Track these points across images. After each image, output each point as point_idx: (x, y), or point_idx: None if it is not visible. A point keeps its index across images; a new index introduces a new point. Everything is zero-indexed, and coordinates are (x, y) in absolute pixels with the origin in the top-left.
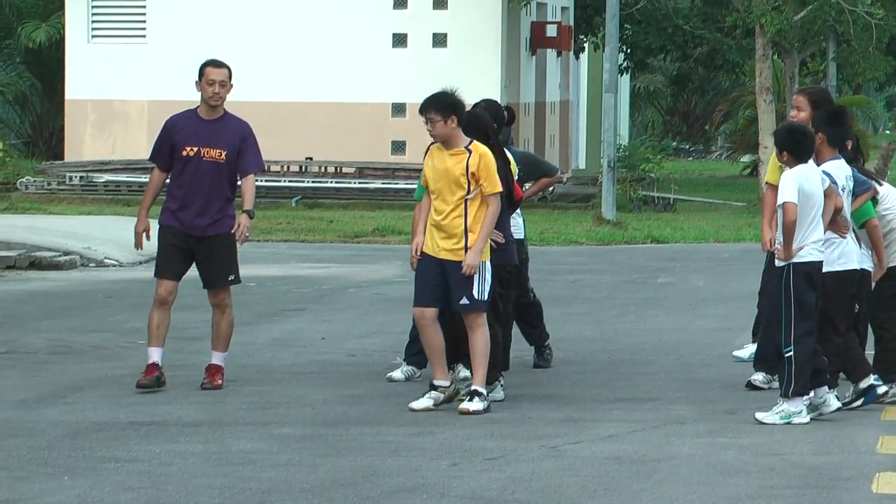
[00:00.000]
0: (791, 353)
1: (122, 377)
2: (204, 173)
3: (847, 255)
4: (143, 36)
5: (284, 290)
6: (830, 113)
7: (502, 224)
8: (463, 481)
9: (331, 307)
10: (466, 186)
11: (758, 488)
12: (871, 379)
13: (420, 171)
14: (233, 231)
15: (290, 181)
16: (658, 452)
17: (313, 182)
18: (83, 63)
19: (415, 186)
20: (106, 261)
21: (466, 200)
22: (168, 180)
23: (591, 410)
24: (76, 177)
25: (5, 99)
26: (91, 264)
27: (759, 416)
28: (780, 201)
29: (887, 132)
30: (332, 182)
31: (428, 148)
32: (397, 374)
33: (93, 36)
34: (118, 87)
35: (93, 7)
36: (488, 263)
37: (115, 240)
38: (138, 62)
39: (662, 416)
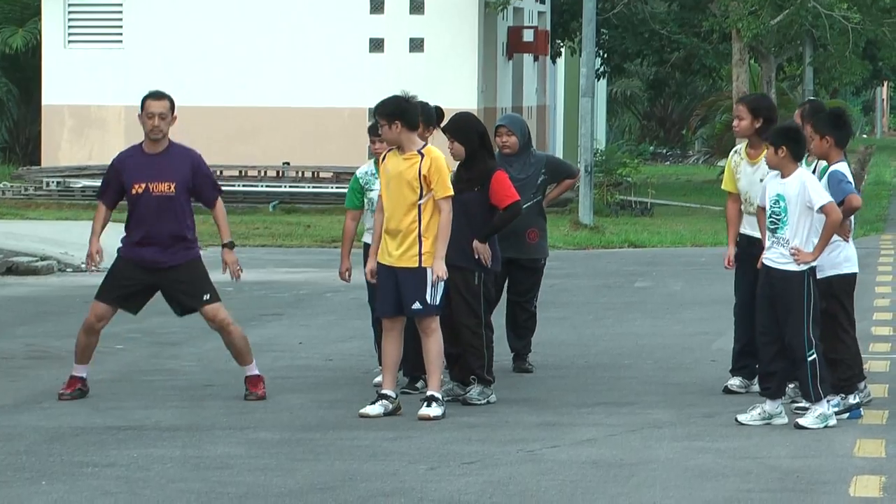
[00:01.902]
0: (814, 356)
1: (100, 382)
2: (155, 208)
3: (850, 258)
4: (120, 41)
5: (262, 295)
6: (833, 116)
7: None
8: (440, 485)
9: (308, 312)
10: (419, 191)
11: (735, 492)
12: (861, 395)
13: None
14: (223, 273)
15: (267, 186)
16: (635, 456)
17: (290, 187)
18: (60, 69)
19: None
20: (83, 266)
21: (420, 206)
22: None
23: (569, 415)
24: (53, 182)
25: None
26: (68, 269)
27: (803, 421)
28: (822, 202)
29: (864, 136)
30: (309, 187)
31: (385, 154)
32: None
33: (69, 41)
34: (95, 93)
35: (69, 12)
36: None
37: None
38: (115, 68)
39: (640, 420)
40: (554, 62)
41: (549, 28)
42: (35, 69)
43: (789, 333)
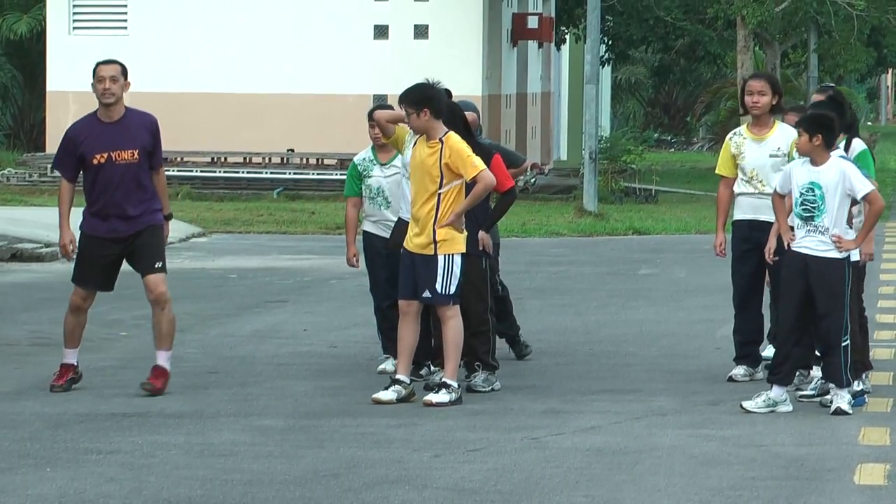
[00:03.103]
0: (848, 341)
1: (104, 369)
2: (119, 177)
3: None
4: (125, 28)
5: (266, 282)
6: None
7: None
8: (445, 473)
9: (312, 299)
10: (439, 180)
11: (740, 479)
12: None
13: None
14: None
15: (271, 173)
16: (640, 444)
17: (295, 174)
18: (64, 55)
19: None
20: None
21: (439, 195)
22: (84, 186)
23: (573, 402)
24: None
25: None
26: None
27: (844, 406)
28: (865, 191)
29: (868, 123)
30: (313, 174)
31: (416, 140)
32: (389, 365)
33: (74, 28)
34: None
35: None
36: (458, 258)
37: None
38: (120, 54)
39: (644, 408)
40: (558, 49)
41: (553, 15)
42: (39, 55)
43: (830, 319)
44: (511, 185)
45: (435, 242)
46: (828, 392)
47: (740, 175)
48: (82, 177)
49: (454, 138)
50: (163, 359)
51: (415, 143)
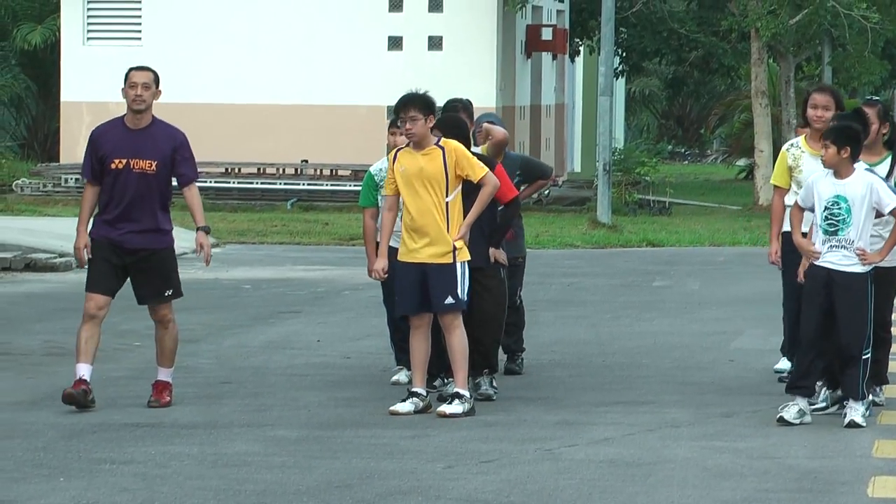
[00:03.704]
0: (868, 354)
1: (118, 379)
2: (134, 186)
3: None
4: (139, 38)
5: (279, 293)
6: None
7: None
8: (458, 484)
9: (326, 310)
10: (445, 186)
11: (753, 492)
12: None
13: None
14: (197, 254)
15: (285, 183)
16: (653, 456)
17: (309, 184)
18: (78, 65)
19: None
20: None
21: (447, 204)
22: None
23: (587, 413)
24: (71, 179)
25: (1, 101)
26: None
27: (858, 419)
28: (893, 205)
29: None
30: (327, 185)
31: (395, 154)
32: (402, 377)
33: (88, 38)
34: (113, 90)
35: (88, 9)
36: (466, 265)
37: None
38: (133, 64)
39: (657, 420)
40: (572, 61)
41: (567, 27)
42: (54, 66)
43: (852, 332)
44: (515, 195)
45: (454, 250)
46: (840, 402)
47: (794, 187)
48: None
49: (454, 142)
50: (164, 375)
51: (395, 158)
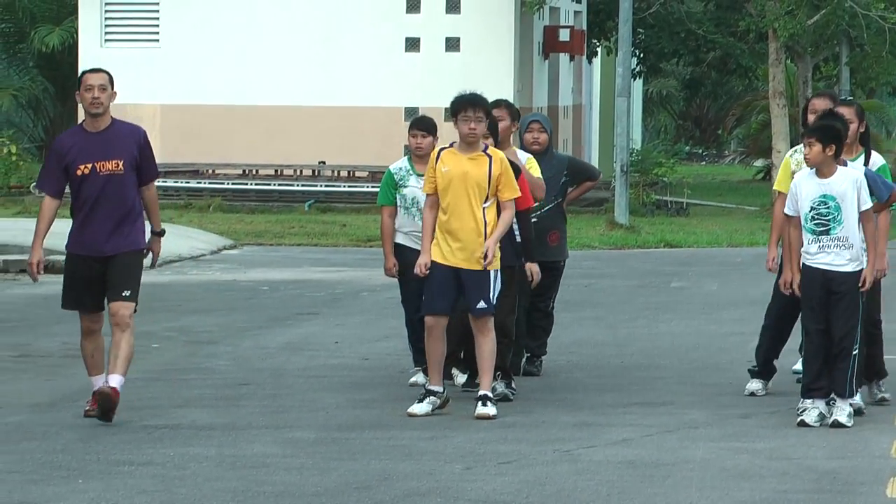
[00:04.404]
0: (857, 350)
1: (136, 381)
2: (103, 189)
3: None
4: (157, 40)
5: (297, 294)
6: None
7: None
8: (476, 485)
9: (344, 311)
10: (486, 193)
11: (771, 493)
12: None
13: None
14: (144, 252)
15: (302, 185)
16: (672, 457)
17: (326, 186)
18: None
19: None
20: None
21: (484, 209)
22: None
23: (605, 415)
24: None
25: (18, 103)
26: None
27: (844, 420)
28: (866, 206)
29: None
30: (344, 186)
31: (439, 153)
32: (420, 378)
33: (106, 40)
34: (131, 92)
35: (106, 11)
36: (498, 272)
37: None
38: (151, 67)
39: (676, 421)
40: (590, 62)
41: (584, 28)
42: (71, 68)
43: (846, 328)
44: (529, 205)
45: (487, 253)
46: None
47: None
48: (69, 194)
49: (501, 153)
50: (115, 381)
51: (437, 157)
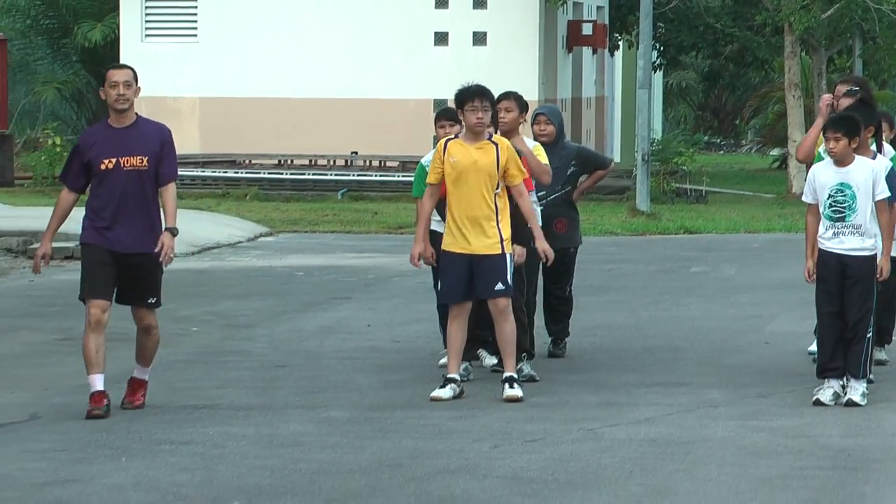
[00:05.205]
0: (870, 333)
1: (176, 363)
2: (126, 184)
3: None
4: (195, 35)
5: (331, 279)
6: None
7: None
8: (504, 462)
9: (376, 296)
10: (497, 181)
11: (788, 469)
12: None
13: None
14: (156, 251)
15: (336, 174)
16: (692, 435)
17: (358, 175)
18: (136, 61)
19: None
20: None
21: (496, 195)
22: (88, 195)
23: (627, 395)
24: None
25: (62, 96)
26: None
27: (858, 399)
28: (881, 197)
29: None
30: (376, 175)
31: (445, 144)
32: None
33: (146, 35)
34: (170, 85)
35: (146, 8)
36: (510, 255)
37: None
38: (190, 60)
39: (696, 400)
40: (612, 55)
41: (607, 22)
42: (113, 62)
43: (861, 312)
44: (530, 188)
45: (501, 241)
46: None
47: None
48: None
49: (506, 141)
50: (140, 372)
51: (444, 148)
